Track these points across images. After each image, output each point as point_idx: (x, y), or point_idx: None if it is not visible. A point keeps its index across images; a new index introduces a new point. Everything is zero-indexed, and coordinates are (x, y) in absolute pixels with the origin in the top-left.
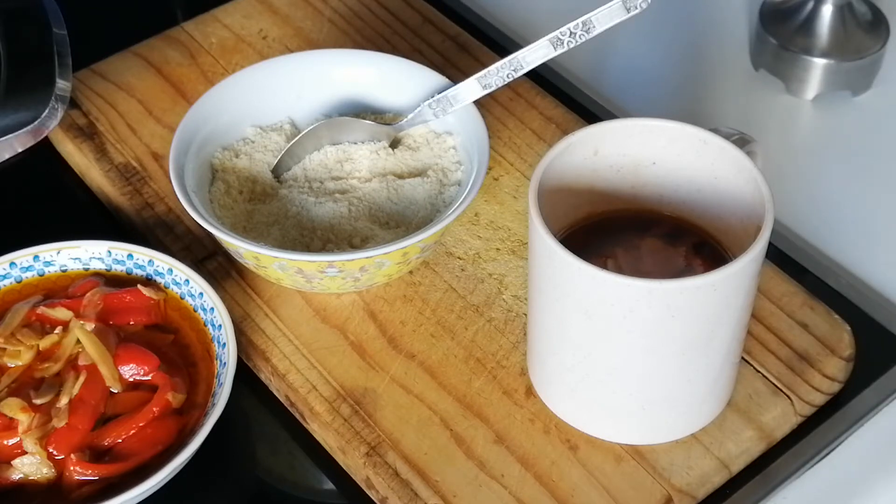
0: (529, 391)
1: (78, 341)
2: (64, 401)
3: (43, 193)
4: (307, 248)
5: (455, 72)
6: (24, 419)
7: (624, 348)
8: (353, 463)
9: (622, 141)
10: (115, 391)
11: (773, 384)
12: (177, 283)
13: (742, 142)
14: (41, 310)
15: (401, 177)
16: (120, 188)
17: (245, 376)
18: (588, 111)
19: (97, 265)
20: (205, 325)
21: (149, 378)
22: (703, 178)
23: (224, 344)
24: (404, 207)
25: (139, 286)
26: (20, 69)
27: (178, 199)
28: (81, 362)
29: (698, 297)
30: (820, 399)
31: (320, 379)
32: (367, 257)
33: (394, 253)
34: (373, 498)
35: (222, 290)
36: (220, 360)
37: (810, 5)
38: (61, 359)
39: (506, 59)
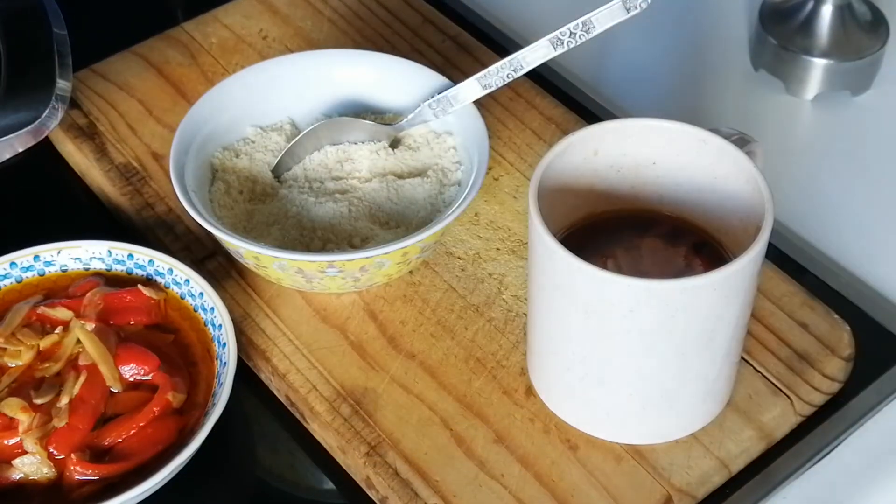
0: (529, 391)
1: (78, 341)
2: (64, 401)
3: (43, 193)
4: (307, 248)
5: (455, 72)
6: (24, 419)
7: (624, 348)
8: (353, 463)
9: (622, 141)
10: (116, 391)
11: (773, 384)
12: (177, 283)
13: (742, 142)
14: (41, 310)
15: (401, 177)
16: (120, 188)
17: (245, 376)
18: (588, 111)
19: (97, 265)
20: (205, 325)
21: (149, 378)
22: (703, 178)
23: (224, 344)
24: (404, 207)
25: (139, 286)
26: (20, 69)
27: (179, 199)
28: (82, 362)
29: (698, 296)
30: (820, 399)
31: (320, 379)
32: (367, 257)
33: (394, 253)
34: (373, 498)
35: (222, 290)
36: (221, 360)
37: (810, 5)
38: (62, 359)
39: (506, 59)
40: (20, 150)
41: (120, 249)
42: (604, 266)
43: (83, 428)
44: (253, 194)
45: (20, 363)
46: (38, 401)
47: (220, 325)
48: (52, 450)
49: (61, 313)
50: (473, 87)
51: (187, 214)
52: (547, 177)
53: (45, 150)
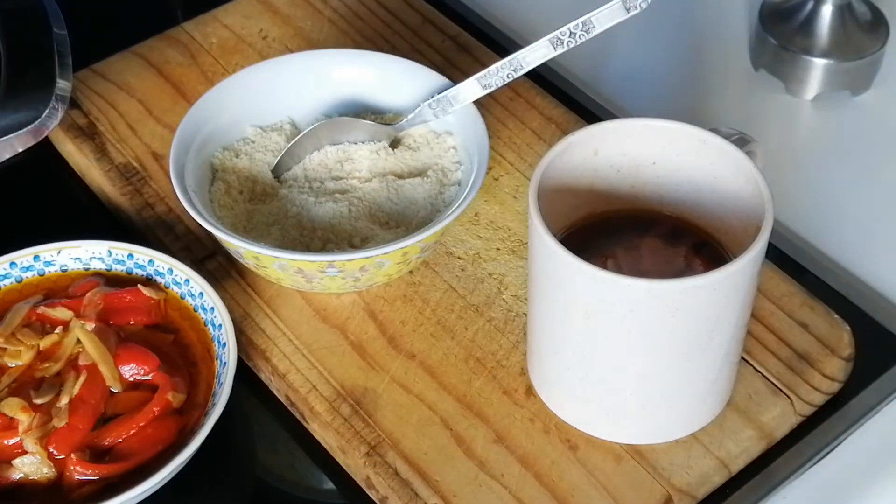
0: (529, 391)
1: (78, 341)
2: (64, 400)
3: (43, 193)
4: (307, 248)
5: (455, 72)
6: (24, 419)
7: (624, 348)
8: (353, 463)
9: (622, 141)
10: (116, 391)
11: (773, 384)
12: (177, 283)
13: (742, 142)
14: (41, 309)
15: (401, 177)
16: (120, 188)
17: (245, 376)
18: (588, 111)
19: (97, 265)
20: (205, 325)
21: (149, 378)
22: (703, 178)
23: (224, 344)
24: (404, 207)
25: (139, 286)
26: (20, 69)
27: (179, 199)
28: (82, 362)
29: (698, 296)
30: (820, 399)
31: (320, 379)
32: (367, 257)
33: (394, 253)
34: (373, 498)
35: (222, 290)
36: (221, 360)
37: (810, 5)
38: (62, 359)
39: (506, 59)
40: (20, 150)
41: (120, 249)
42: (604, 266)
43: (83, 428)
44: (253, 194)
45: (20, 363)
46: (38, 401)
47: (220, 325)
48: (52, 450)
49: (61, 313)
50: (473, 87)
51: (187, 214)
52: (547, 177)
53: (45, 150)
